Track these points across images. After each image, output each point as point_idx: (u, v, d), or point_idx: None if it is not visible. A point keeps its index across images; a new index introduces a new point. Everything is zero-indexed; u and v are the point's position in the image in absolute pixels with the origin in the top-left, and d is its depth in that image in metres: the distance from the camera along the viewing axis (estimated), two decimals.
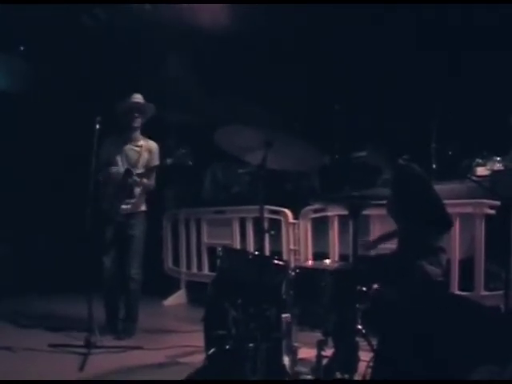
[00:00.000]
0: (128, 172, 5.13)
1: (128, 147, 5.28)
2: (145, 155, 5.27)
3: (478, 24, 6.32)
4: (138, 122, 5.25)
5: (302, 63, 7.49)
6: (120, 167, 5.22)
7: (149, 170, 5.22)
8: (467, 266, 4.82)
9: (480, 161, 5.46)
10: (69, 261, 7.02)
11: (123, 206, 5.21)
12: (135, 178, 5.11)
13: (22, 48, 7.91)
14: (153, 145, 5.34)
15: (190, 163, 5.03)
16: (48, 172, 7.85)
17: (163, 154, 5.30)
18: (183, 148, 5.03)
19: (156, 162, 5.29)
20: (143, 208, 5.36)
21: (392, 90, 6.85)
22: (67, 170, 7.51)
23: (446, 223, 3.71)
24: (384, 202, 3.84)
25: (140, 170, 5.19)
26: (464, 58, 6.49)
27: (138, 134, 5.31)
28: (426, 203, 3.65)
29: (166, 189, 7.58)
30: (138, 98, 5.24)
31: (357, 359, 3.30)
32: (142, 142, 5.31)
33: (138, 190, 5.25)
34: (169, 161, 5.08)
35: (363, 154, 4.16)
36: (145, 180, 5.22)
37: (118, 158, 5.24)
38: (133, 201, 5.23)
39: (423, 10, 6.45)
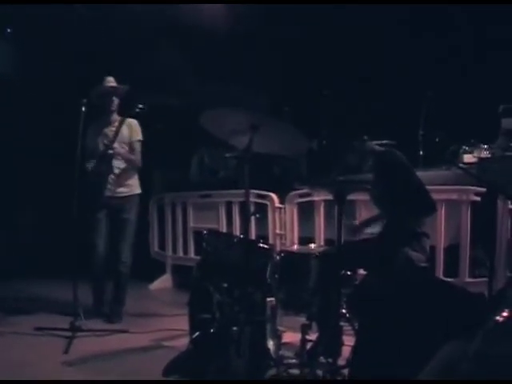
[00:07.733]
0: (105, 146, 5.10)
1: (106, 130, 5.23)
2: (123, 131, 5.18)
3: (467, 11, 6.32)
4: (114, 105, 5.22)
5: (292, 48, 7.46)
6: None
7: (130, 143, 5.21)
8: (453, 252, 4.85)
9: (467, 148, 5.46)
10: (54, 244, 6.98)
11: (119, 189, 5.19)
12: (112, 149, 5.06)
13: (8, 30, 7.80)
14: (132, 121, 5.27)
15: (141, 106, 5.10)
16: (33, 156, 7.76)
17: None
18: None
19: (138, 136, 5.26)
20: (138, 191, 5.34)
21: (381, 76, 6.84)
22: (53, 153, 7.44)
23: (428, 208, 3.65)
24: (370, 187, 3.83)
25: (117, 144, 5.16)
26: (453, 46, 6.47)
27: (115, 116, 5.27)
28: (408, 188, 3.61)
29: (152, 173, 7.56)
30: (110, 81, 5.21)
31: (341, 343, 3.32)
32: (118, 122, 5.23)
33: (120, 164, 5.19)
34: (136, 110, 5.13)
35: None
36: (122, 150, 5.16)
37: (100, 143, 5.18)
38: (114, 177, 5.15)
39: None
